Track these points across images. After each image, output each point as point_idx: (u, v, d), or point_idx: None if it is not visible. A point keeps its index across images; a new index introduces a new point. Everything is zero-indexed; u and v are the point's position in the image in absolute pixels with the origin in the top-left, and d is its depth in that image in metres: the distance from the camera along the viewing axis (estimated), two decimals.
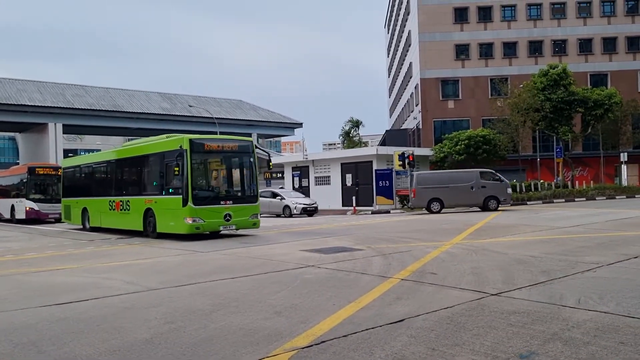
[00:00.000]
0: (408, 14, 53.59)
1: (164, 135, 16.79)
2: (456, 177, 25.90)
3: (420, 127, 48.53)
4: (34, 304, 6.50)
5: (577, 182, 37.97)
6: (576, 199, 32.02)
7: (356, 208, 29.44)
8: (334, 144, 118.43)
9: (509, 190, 25.94)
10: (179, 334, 4.94)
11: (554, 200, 31.39)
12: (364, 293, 6.49)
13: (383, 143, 56.19)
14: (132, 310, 6.05)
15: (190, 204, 14.15)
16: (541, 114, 36.04)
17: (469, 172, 26.73)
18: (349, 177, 33.45)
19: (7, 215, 29.01)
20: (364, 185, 32.29)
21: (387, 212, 28.50)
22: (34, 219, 26.49)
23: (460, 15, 48.37)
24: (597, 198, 32.60)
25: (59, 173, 26.58)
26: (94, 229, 19.50)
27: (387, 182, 30.51)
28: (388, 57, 78.59)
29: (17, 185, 28.52)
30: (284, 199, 28.92)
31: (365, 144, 68.82)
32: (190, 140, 14.51)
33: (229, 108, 52.56)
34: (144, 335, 4.95)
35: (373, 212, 28.62)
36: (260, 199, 27.50)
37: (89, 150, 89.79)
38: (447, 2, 47.91)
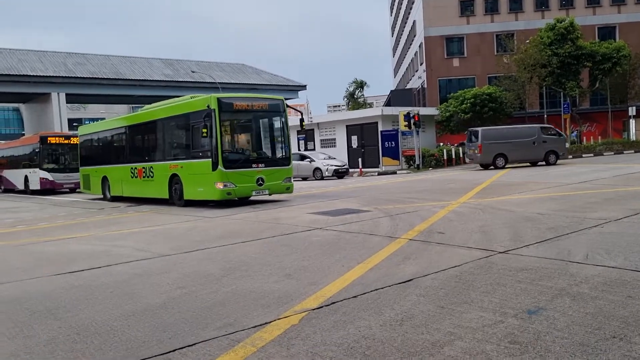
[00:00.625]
0: None
1: (188, 96, 15.97)
2: (518, 133, 25.92)
3: (425, 86, 48.04)
4: (48, 273, 6.60)
5: (584, 137, 37.70)
6: (584, 155, 31.85)
7: (362, 169, 29.44)
8: (339, 106, 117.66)
9: (567, 144, 26.09)
10: (191, 299, 5.02)
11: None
12: (372, 254, 6.54)
13: (388, 103, 55.79)
14: (144, 276, 6.14)
15: (220, 167, 13.36)
16: (548, 70, 35.56)
17: (530, 127, 26.94)
18: (354, 138, 33.34)
19: (21, 187, 28.49)
20: (370, 146, 32.22)
21: (394, 172, 28.50)
22: (48, 189, 26.12)
23: None
24: (605, 153, 32.41)
25: (72, 141, 26.39)
26: (115, 199, 18.84)
27: (393, 142, 30.41)
28: (391, 15, 77.22)
29: (29, 155, 27.88)
30: (314, 161, 27.99)
31: (370, 105, 68.30)
32: (219, 99, 13.61)
33: (232, 72, 52.13)
34: (157, 300, 5.03)
35: (379, 174, 28.64)
36: None
37: (93, 119, 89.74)
38: None
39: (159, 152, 16.45)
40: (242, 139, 15.17)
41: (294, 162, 27.47)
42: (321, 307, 4.49)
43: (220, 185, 13.36)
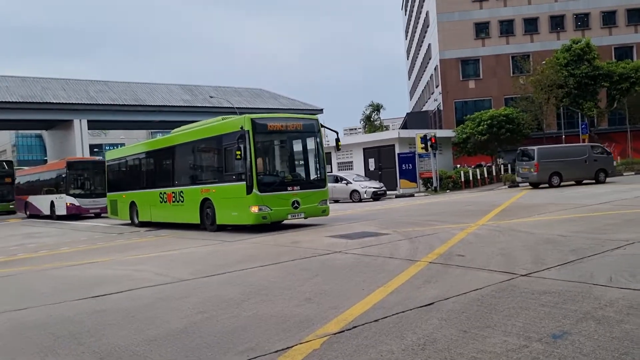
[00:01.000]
0: None
1: (219, 118, 15.52)
2: (571, 151, 26.09)
3: (441, 108, 48.07)
4: (71, 297, 6.68)
5: None
6: None
7: None
8: (355, 129, 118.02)
9: (614, 162, 26.69)
10: (211, 323, 5.04)
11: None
12: (393, 277, 6.52)
13: (404, 126, 55.84)
14: (165, 301, 6.18)
15: (255, 190, 12.83)
16: (565, 90, 35.42)
17: (581, 146, 27.28)
18: (371, 161, 33.38)
19: (47, 212, 28.28)
20: (387, 169, 32.21)
21: (411, 195, 28.40)
22: (74, 214, 26.03)
23: None
24: (624, 174, 31.97)
25: (98, 166, 26.39)
26: (143, 224, 18.45)
27: (410, 165, 30.35)
28: (406, 39, 77.77)
29: (55, 180, 27.83)
30: (351, 183, 27.33)
31: (387, 128, 68.47)
32: (253, 120, 13.14)
33: (249, 97, 52.72)
34: (178, 325, 5.06)
35: (397, 196, 28.56)
36: None
37: (113, 145, 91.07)
38: None
39: (189, 176, 16.09)
40: (277, 160, 14.82)
41: (329, 185, 27.37)
42: (342, 331, 4.48)
43: (255, 209, 12.90)
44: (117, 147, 28.99)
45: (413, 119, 55.50)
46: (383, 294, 5.71)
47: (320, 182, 14.35)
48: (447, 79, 47.47)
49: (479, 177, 31.82)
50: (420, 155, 30.02)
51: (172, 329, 4.92)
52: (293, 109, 51.99)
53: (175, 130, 17.66)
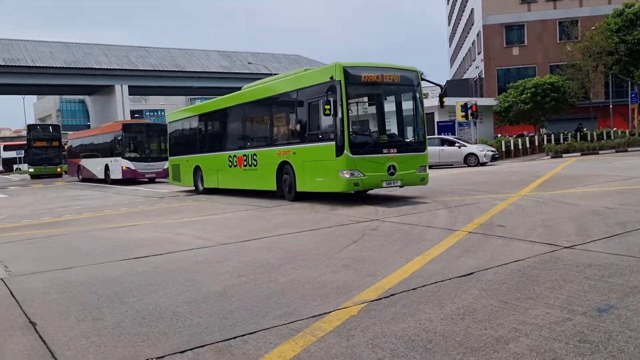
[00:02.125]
0: None
1: (302, 69, 13.63)
2: None
3: (483, 76, 46.84)
4: (114, 258, 6.85)
5: None
6: None
7: None
8: None
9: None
10: (250, 287, 5.08)
11: (629, 149, 29.82)
12: (431, 246, 6.44)
13: (444, 94, 54.76)
14: (204, 264, 6.27)
15: (347, 152, 11.01)
16: (615, 58, 34.00)
17: None
18: None
19: (101, 175, 27.95)
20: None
21: (451, 164, 27.99)
22: (129, 178, 25.64)
23: None
24: None
25: (155, 130, 26.56)
26: (209, 191, 16.99)
27: (450, 133, 29.84)
28: (448, 4, 75.55)
29: (110, 143, 27.22)
30: (465, 145, 25.99)
31: (426, 96, 67.32)
32: (345, 69, 11.19)
33: (287, 64, 52.46)
34: (217, 287, 5.13)
35: (436, 165, 28.18)
36: None
37: (153, 110, 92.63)
38: None
39: (264, 137, 14.42)
40: (370, 118, 13.00)
41: (434, 148, 24.81)
42: (380, 298, 4.45)
43: (346, 174, 11.05)
44: (157, 113, 29.10)
45: (453, 87, 54.28)
46: (421, 262, 5.64)
47: (420, 145, 12.24)
48: (489, 46, 46.08)
49: (520, 147, 31.06)
50: (460, 124, 29.49)
51: (211, 292, 4.99)
52: None
53: (247, 85, 16.04)
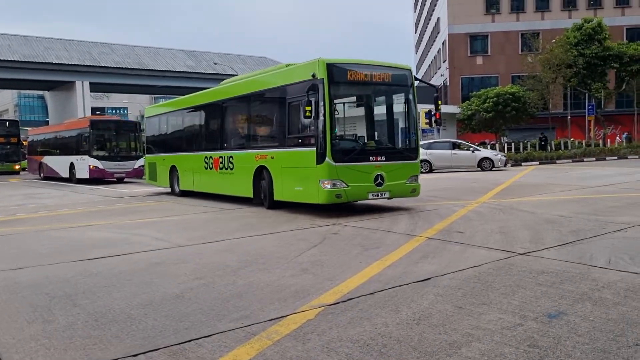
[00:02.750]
0: None
1: (283, 65, 12.35)
2: None
3: (448, 84, 47.62)
4: (68, 259, 6.68)
5: (608, 140, 37.09)
6: (607, 158, 31.34)
7: None
8: None
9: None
10: (208, 290, 5.03)
11: (585, 159, 30.78)
12: (391, 251, 6.50)
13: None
14: (162, 265, 6.18)
15: (328, 159, 9.71)
16: (574, 70, 35.05)
17: None
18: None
19: (65, 174, 25.98)
20: None
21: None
22: (96, 178, 23.91)
23: None
24: (629, 157, 31.85)
25: (125, 127, 25.37)
26: (185, 193, 15.69)
27: None
28: (415, 12, 76.63)
29: (76, 140, 25.26)
30: (479, 150, 25.84)
31: None
32: (329, 66, 9.90)
33: (253, 65, 52.24)
34: (174, 290, 5.05)
35: None
36: (433, 151, 25.45)
37: (115, 108, 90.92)
38: None
39: (241, 138, 13.21)
40: (357, 121, 11.94)
41: (444, 152, 25.18)
42: (338, 302, 4.46)
43: (327, 185, 9.74)
44: (120, 111, 28.26)
45: (418, 94, 55.03)
46: (380, 267, 5.69)
47: (412, 153, 11.01)
48: (454, 54, 46.92)
49: None
50: (424, 131, 29.87)
51: (167, 294, 4.91)
52: None
53: (227, 80, 14.93)
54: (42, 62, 41.63)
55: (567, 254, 6.10)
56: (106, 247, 7.48)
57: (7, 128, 36.89)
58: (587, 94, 36.28)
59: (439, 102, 12.05)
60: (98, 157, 23.88)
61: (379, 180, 10.21)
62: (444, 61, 49.71)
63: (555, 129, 42.41)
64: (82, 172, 24.28)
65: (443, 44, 49.67)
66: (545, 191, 13.72)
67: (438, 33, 52.80)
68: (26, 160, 35.12)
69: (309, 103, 9.71)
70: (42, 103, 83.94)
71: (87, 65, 43.33)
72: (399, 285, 4.92)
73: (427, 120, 28.82)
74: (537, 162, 29.44)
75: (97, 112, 51.40)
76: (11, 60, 40.51)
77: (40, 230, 9.64)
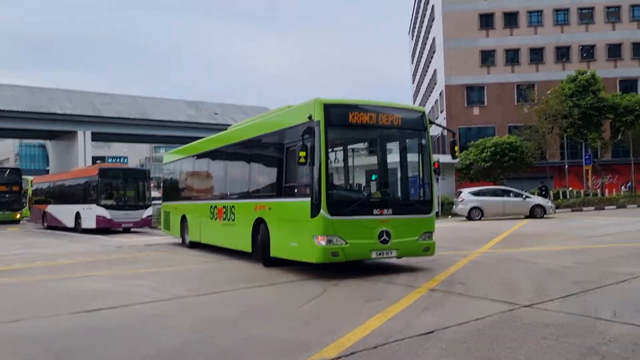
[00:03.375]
0: (432, 21, 53.38)
1: (286, 106, 11.13)
2: None
3: (445, 134, 48.16)
4: (66, 311, 6.58)
5: (606, 189, 37.22)
6: (606, 207, 31.36)
7: None
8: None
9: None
10: (207, 344, 4.94)
11: (583, 209, 30.79)
12: (392, 303, 6.42)
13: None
14: (161, 318, 6.08)
15: (323, 212, 8.41)
16: (569, 121, 35.51)
17: None
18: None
19: (70, 224, 24.78)
20: None
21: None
22: (103, 228, 22.63)
23: (486, 21, 48.05)
24: (628, 206, 31.87)
25: (134, 175, 24.57)
26: (193, 245, 14.53)
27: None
28: (412, 64, 78.31)
29: (83, 189, 24.21)
30: (530, 197, 25.31)
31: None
32: (326, 106, 8.75)
33: (254, 115, 53.03)
34: (173, 344, 4.96)
35: None
36: (477, 197, 24.87)
37: (116, 157, 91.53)
38: (473, 8, 47.61)
39: (242, 186, 12.02)
40: (359, 169, 10.71)
41: (496, 199, 24.88)
42: (339, 357, 4.38)
43: (321, 241, 8.39)
44: (120, 160, 27.87)
45: None
46: (382, 319, 5.61)
47: (425, 205, 9.55)
48: (451, 105, 47.65)
49: None
50: None
51: (166, 349, 4.82)
52: None
53: (235, 124, 14.26)
54: (45, 113, 42.20)
55: (572, 305, 6.03)
56: (104, 298, 7.38)
57: (8, 176, 36.60)
58: (583, 144, 36.64)
59: (456, 147, 10.66)
60: (106, 206, 22.75)
61: (385, 237, 8.75)
62: (441, 111, 50.44)
63: (553, 178, 42.59)
64: (89, 222, 23.09)
65: (440, 94, 50.54)
66: (545, 241, 13.67)
67: (435, 84, 53.79)
68: (27, 209, 34.91)
69: (304, 148, 8.54)
70: (43, 152, 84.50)
71: (89, 116, 43.92)
72: (402, 339, 4.84)
73: None
74: None
75: (98, 161, 51.66)
76: (15, 111, 41.06)
77: (38, 281, 9.53)
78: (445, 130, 47.44)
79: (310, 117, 8.83)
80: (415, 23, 71.40)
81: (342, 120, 9.03)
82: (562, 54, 47.76)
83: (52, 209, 27.72)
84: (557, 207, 30.55)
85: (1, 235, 24.76)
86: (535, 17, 48.19)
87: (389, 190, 9.88)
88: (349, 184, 10.28)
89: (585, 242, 13.17)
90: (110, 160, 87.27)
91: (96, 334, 5.43)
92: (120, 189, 24.14)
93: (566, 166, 38.51)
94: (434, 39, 53.22)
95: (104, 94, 49.11)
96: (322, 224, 8.45)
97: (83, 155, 43.25)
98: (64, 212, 25.90)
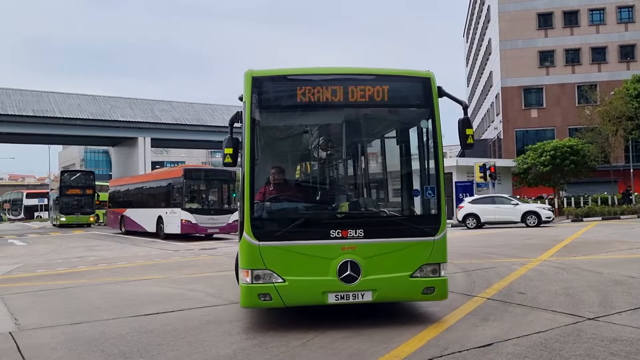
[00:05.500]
0: (488, 22, 52.22)
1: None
2: None
3: (501, 137, 46.94)
4: (124, 314, 6.75)
5: None
6: None
7: None
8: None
9: None
10: (260, 350, 4.94)
11: None
12: (448, 312, 6.24)
13: (462, 154, 54.85)
14: (215, 323, 6.14)
15: (247, 235, 5.76)
16: (635, 122, 33.88)
17: None
18: None
19: (151, 229, 23.40)
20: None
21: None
22: (187, 234, 21.29)
23: (545, 20, 46.58)
24: None
25: (220, 177, 22.59)
26: None
27: (468, 194, 29.63)
28: (467, 66, 76.86)
29: (165, 192, 22.70)
30: (518, 204, 24.54)
31: (444, 155, 67.49)
32: (256, 81, 5.98)
33: None
34: (227, 350, 4.99)
35: (453, 225, 27.87)
36: (474, 205, 24.22)
37: (174, 162, 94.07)
38: (530, 8, 46.28)
39: None
40: (318, 171, 7.76)
41: (488, 207, 23.75)
42: None
43: (246, 277, 5.75)
44: (178, 164, 25.95)
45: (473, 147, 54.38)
46: (438, 330, 5.46)
47: (425, 223, 6.09)
48: (508, 107, 46.39)
49: None
50: (478, 185, 29.33)
51: (220, 355, 4.85)
52: None
53: None
54: (108, 120, 43.90)
55: None
56: (160, 302, 7.54)
57: (82, 179, 36.93)
58: None
59: (469, 130, 6.26)
60: (191, 210, 21.14)
61: (349, 272, 5.67)
62: (497, 114, 49.20)
63: (617, 182, 40.71)
64: (173, 227, 21.53)
65: (496, 97, 49.30)
66: (610, 249, 13.04)
67: (491, 86, 52.54)
68: (98, 212, 35.21)
69: (229, 143, 6.22)
70: (107, 158, 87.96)
71: (149, 122, 45.38)
72: (459, 351, 4.69)
73: (482, 174, 28.45)
74: (600, 218, 28.19)
75: (157, 167, 53.20)
76: (80, 119, 42.91)
77: (98, 284, 9.85)
78: (501, 134, 46.25)
79: (241, 99, 6.14)
80: (470, 24, 70.09)
81: (282, 99, 6.21)
82: (626, 52, 45.69)
83: (131, 213, 26.39)
84: (622, 212, 29.23)
85: (68, 238, 25.80)
86: (597, 15, 46.31)
87: (361, 201, 6.93)
88: (296, 194, 6.67)
89: None
90: (168, 165, 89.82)
91: (153, 338, 5.52)
92: (206, 191, 22.80)
93: (631, 170, 36.76)
94: (489, 40, 52.03)
95: (162, 102, 50.65)
96: (245, 252, 5.80)
97: (143, 160, 44.69)
98: (144, 216, 24.64)
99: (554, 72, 46.42)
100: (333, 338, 5.29)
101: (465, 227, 24.66)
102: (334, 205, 6.51)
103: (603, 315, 5.91)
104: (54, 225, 37.80)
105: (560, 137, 39.58)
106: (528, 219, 23.76)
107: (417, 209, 6.44)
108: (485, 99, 57.47)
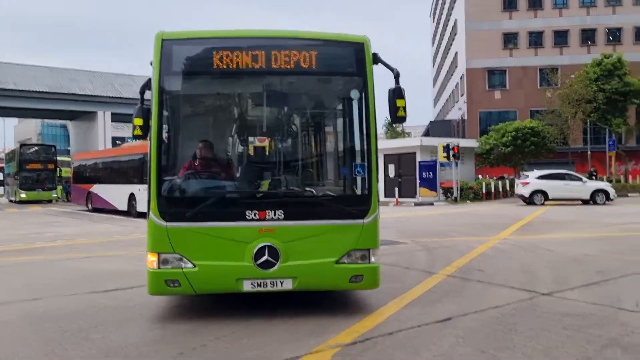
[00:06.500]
0: (454, 3, 52.50)
1: None
2: None
3: (465, 118, 47.60)
4: (83, 290, 6.63)
5: (630, 176, 36.55)
6: (629, 194, 30.79)
7: (399, 200, 29.13)
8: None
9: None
10: (221, 326, 4.92)
11: None
12: (409, 289, 6.35)
13: (426, 134, 55.42)
14: (175, 299, 6.08)
15: (153, 215, 5.32)
16: (594, 105, 34.77)
17: None
18: (391, 168, 33.06)
19: (122, 207, 21.87)
20: (407, 176, 31.83)
21: (431, 204, 28.08)
22: None
23: (510, 2, 47.06)
24: None
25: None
26: None
27: (431, 173, 30.01)
28: (433, 46, 77.31)
29: (137, 166, 20.85)
30: (587, 181, 24.45)
31: (409, 135, 68.08)
32: (166, 44, 5.40)
33: None
34: (187, 324, 4.96)
35: (416, 204, 28.28)
36: (542, 181, 24.36)
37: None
38: None
39: None
40: (234, 145, 6.75)
41: (556, 183, 23.84)
42: (355, 342, 4.33)
43: (153, 261, 5.24)
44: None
45: (436, 128, 55.02)
46: (398, 306, 5.54)
47: (354, 203, 5.54)
48: (472, 88, 46.97)
49: (500, 190, 31.34)
50: (441, 164, 29.69)
51: (180, 329, 4.82)
52: None
53: None
54: (66, 93, 42.61)
55: (593, 295, 5.90)
56: (121, 278, 7.43)
57: (42, 153, 35.24)
58: (607, 129, 35.93)
59: (400, 100, 5.62)
60: None
61: (267, 257, 5.17)
62: (461, 95, 49.79)
63: (575, 163, 41.89)
64: (146, 205, 20.14)
65: (461, 78, 49.83)
66: (567, 228, 13.45)
67: (456, 67, 53.04)
68: (60, 188, 33.51)
69: (139, 113, 5.71)
70: (65, 132, 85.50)
71: (109, 97, 44.26)
72: (418, 326, 4.77)
73: (445, 154, 28.82)
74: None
75: (118, 142, 52.07)
76: (37, 91, 41.50)
77: (57, 260, 9.63)
78: (465, 114, 46.89)
79: (151, 63, 5.45)
80: (436, 5, 70.32)
81: (196, 65, 5.60)
82: (588, 37, 46.66)
83: (99, 189, 24.64)
84: None
85: (26, 214, 25.10)
86: None
87: (283, 180, 5.90)
88: (209, 171, 5.87)
89: (609, 229, 12.92)
90: (129, 140, 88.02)
91: (111, 314, 5.45)
92: None
93: (589, 152, 37.86)
94: (455, 21, 52.37)
95: (123, 75, 49.37)
96: (152, 234, 5.30)
97: (103, 135, 43.68)
98: (114, 193, 22.98)
99: (517, 54, 47.12)
100: (294, 314, 5.31)
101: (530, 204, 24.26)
102: (252, 184, 5.88)
103: (557, 291, 6.10)
104: (10, 201, 36.65)
105: (523, 118, 40.34)
106: (597, 197, 23.82)
107: (345, 189, 5.86)
108: (450, 79, 58.03)
